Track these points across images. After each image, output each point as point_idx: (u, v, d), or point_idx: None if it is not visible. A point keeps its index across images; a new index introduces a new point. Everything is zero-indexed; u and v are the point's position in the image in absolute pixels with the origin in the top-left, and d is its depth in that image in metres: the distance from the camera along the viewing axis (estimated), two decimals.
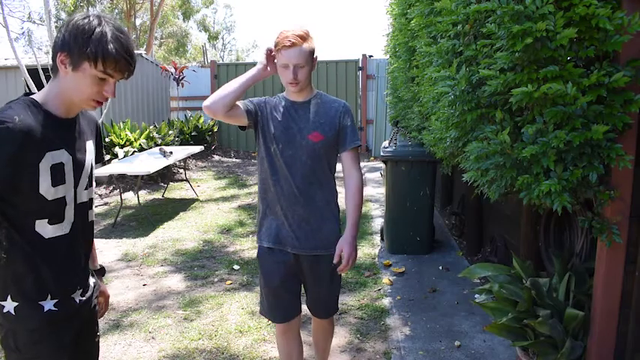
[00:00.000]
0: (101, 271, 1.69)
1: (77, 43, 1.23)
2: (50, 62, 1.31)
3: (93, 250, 1.61)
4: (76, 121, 1.39)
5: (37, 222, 1.30)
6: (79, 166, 1.39)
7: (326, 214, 2.03)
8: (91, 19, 1.26)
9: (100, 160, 1.62)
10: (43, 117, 1.29)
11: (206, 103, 1.92)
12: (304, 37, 1.86)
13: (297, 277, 2.10)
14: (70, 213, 1.37)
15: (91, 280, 1.54)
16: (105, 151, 7.65)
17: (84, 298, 1.46)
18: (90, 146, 1.46)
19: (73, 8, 18.18)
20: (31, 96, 1.32)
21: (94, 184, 1.50)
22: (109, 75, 1.27)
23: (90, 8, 21.61)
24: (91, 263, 1.60)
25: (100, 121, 1.70)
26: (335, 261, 1.94)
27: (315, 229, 2.01)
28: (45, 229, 1.32)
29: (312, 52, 1.90)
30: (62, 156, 1.33)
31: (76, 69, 1.25)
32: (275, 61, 1.94)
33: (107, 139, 7.75)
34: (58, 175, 1.31)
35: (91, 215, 1.49)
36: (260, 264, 2.10)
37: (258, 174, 2.06)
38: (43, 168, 1.28)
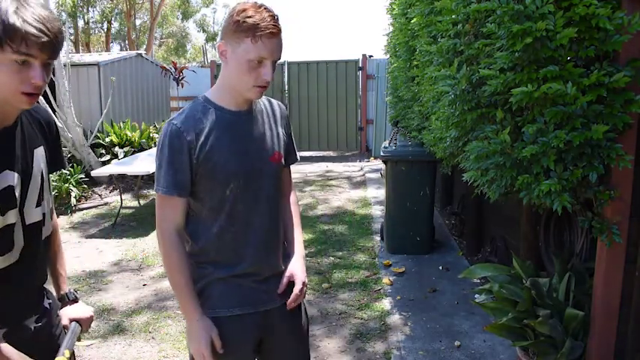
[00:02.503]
0: (65, 299, 1.42)
1: None
2: None
3: (59, 274, 1.41)
4: (17, 128, 1.16)
5: None
6: (26, 182, 1.18)
7: (287, 250, 1.54)
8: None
9: (58, 167, 1.38)
10: None
11: (162, 251, 1.40)
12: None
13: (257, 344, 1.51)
14: (19, 237, 1.18)
15: (47, 302, 1.33)
16: (105, 151, 7.64)
17: (40, 324, 1.28)
18: (39, 153, 1.24)
19: (72, 8, 18.18)
20: None
21: (48, 196, 1.28)
22: (27, 55, 1.01)
23: (90, 8, 21.63)
24: (56, 289, 1.41)
25: (56, 121, 1.41)
26: (281, 290, 1.46)
27: (282, 272, 1.51)
28: None
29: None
30: (8, 178, 1.12)
31: None
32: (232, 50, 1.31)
33: (107, 139, 7.75)
34: (6, 200, 1.12)
35: (46, 231, 1.28)
36: (223, 338, 1.39)
37: (198, 233, 1.42)
38: None
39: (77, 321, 1.40)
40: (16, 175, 1.14)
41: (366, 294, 3.59)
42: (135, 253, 4.66)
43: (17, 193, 1.14)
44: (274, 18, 1.29)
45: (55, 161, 1.35)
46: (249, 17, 1.26)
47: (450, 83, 2.01)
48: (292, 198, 1.61)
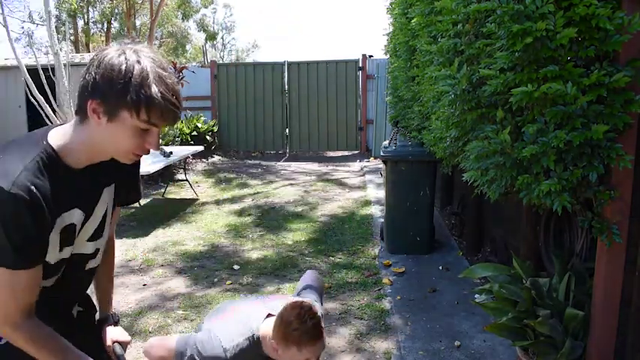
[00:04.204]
0: (110, 319, 1.46)
1: (113, 89, 0.99)
2: (77, 103, 1.07)
3: (108, 296, 1.46)
4: (94, 168, 1.15)
5: None
6: (86, 219, 1.18)
7: None
8: (128, 55, 1.01)
9: (132, 200, 1.39)
10: (60, 174, 1.07)
11: None
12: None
13: None
14: (63, 267, 1.19)
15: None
16: None
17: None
18: (109, 191, 1.23)
19: (74, 11, 18.17)
20: (49, 140, 1.08)
21: (107, 231, 1.28)
22: (154, 125, 1.03)
23: (90, 9, 21.61)
24: (102, 308, 1.45)
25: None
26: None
27: None
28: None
29: None
30: (74, 216, 1.13)
31: (112, 119, 1.02)
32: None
33: None
34: (67, 237, 1.13)
35: (94, 263, 1.29)
36: None
37: None
38: (53, 236, 1.09)
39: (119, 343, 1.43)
40: (83, 213, 1.15)
41: (366, 294, 3.59)
42: (135, 253, 4.66)
43: (77, 230, 1.15)
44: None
45: (130, 193, 1.35)
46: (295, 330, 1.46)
47: (451, 83, 2.01)
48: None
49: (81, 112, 1.06)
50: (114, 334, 1.44)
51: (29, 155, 1.04)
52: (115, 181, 1.24)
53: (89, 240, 1.22)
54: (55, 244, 1.10)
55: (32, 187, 1.00)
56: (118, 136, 1.04)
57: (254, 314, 1.67)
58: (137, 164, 1.33)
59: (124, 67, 0.99)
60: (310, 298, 1.81)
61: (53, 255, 1.12)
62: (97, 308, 1.46)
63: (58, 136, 1.09)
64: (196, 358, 1.57)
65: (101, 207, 1.22)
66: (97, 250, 1.26)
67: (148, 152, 1.09)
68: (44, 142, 1.07)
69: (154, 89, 0.99)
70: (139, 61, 1.00)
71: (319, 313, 1.54)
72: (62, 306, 1.28)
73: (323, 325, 1.53)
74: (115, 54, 1.02)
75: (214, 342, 1.57)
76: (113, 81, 0.99)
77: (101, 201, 1.21)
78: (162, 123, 1.04)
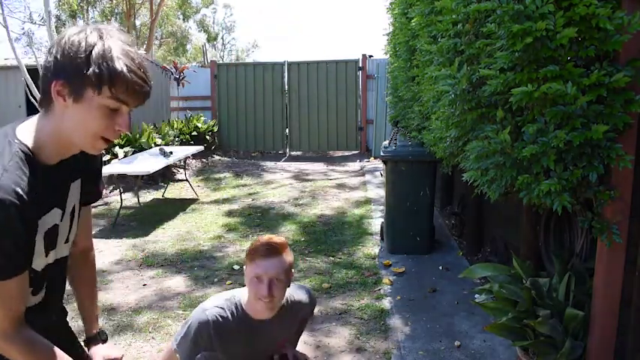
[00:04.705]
0: (97, 338, 1.40)
1: (75, 65, 0.94)
2: (40, 92, 1.01)
3: (91, 311, 1.39)
4: (65, 163, 1.10)
5: None
6: (63, 220, 1.13)
7: None
8: (88, 32, 0.96)
9: (94, 198, 1.29)
10: (37, 173, 1.01)
11: None
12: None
13: None
14: (47, 276, 1.15)
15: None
16: (105, 151, 7.63)
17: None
18: (75, 186, 1.17)
19: (76, 7, 18.16)
20: (20, 138, 1.02)
21: (75, 230, 1.22)
22: (122, 102, 0.98)
23: (90, 9, 21.61)
24: (88, 327, 1.39)
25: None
26: None
27: None
28: (29, 300, 1.11)
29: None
30: (55, 216, 1.09)
31: (78, 99, 0.96)
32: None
33: None
34: (51, 240, 1.08)
35: (66, 264, 1.24)
36: None
37: None
38: (38, 239, 1.05)
39: None
40: (61, 212, 1.10)
41: (366, 294, 3.59)
42: (135, 253, 4.66)
43: (59, 231, 1.10)
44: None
45: (91, 191, 1.26)
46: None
47: (451, 83, 2.01)
48: None
49: (45, 100, 1.00)
50: (104, 351, 1.38)
51: (5, 155, 0.98)
52: (81, 176, 1.18)
53: (66, 242, 1.17)
54: (40, 249, 1.06)
55: (18, 189, 0.95)
56: (85, 119, 0.98)
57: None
58: (100, 161, 1.28)
59: (84, 42, 0.95)
60: (301, 290, 1.82)
61: (40, 260, 1.08)
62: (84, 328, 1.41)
63: (27, 133, 1.03)
64: (184, 331, 1.62)
65: (70, 203, 1.15)
66: (69, 251, 1.22)
67: (118, 136, 1.03)
68: (16, 141, 1.01)
69: (118, 63, 0.94)
70: (100, 37, 0.96)
71: (286, 246, 1.61)
72: (48, 315, 1.23)
73: (284, 253, 1.58)
74: (74, 31, 0.98)
75: (197, 309, 1.64)
76: (74, 57, 0.94)
77: (70, 196, 1.15)
78: (129, 99, 0.98)
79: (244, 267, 1.60)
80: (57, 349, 1.10)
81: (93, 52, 0.94)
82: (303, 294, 1.80)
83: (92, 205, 1.34)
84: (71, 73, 0.95)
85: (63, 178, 1.11)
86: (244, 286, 1.65)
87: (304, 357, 1.75)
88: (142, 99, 1.00)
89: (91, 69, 0.93)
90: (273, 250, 1.55)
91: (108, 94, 0.95)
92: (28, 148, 1.01)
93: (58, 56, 0.96)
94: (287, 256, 1.60)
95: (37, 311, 1.14)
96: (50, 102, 1.00)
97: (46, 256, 1.09)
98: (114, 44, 0.96)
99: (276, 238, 1.60)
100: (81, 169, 1.18)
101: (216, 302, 1.65)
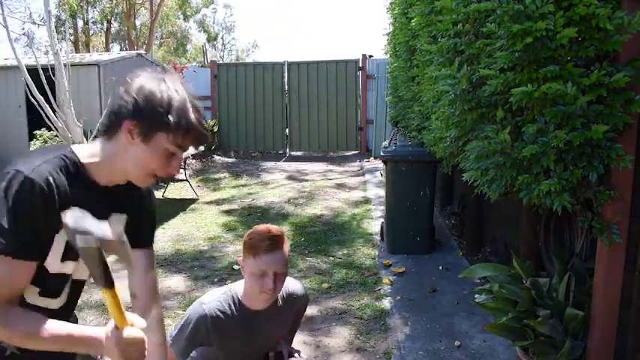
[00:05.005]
0: None
1: (154, 112, 1.06)
2: (105, 122, 1.11)
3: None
4: (117, 192, 1.19)
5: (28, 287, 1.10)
6: None
7: None
8: (168, 83, 1.09)
9: (143, 244, 1.31)
10: (81, 182, 1.11)
11: None
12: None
13: None
14: (67, 291, 1.21)
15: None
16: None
17: None
18: (116, 219, 1.10)
19: (75, 8, 18.14)
20: (74, 150, 1.13)
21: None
22: (183, 148, 1.11)
23: (90, 9, 21.60)
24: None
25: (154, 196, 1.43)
26: None
27: None
28: (31, 296, 1.14)
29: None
30: None
31: (146, 141, 1.08)
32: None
33: None
34: (72, 249, 1.05)
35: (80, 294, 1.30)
36: None
37: None
38: (59, 239, 1.09)
39: None
40: None
41: (366, 294, 3.59)
42: None
43: None
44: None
45: (137, 234, 1.22)
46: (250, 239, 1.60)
47: (451, 83, 2.01)
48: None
49: (111, 131, 1.11)
50: None
51: (51, 154, 1.09)
52: (127, 213, 1.11)
53: None
54: (58, 249, 1.10)
55: (50, 178, 1.03)
56: (147, 158, 1.09)
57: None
58: (153, 213, 1.36)
59: (165, 95, 1.07)
60: (294, 282, 1.84)
61: (54, 262, 1.11)
62: None
63: (83, 149, 1.14)
64: (181, 326, 1.63)
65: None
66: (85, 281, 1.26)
67: (167, 175, 1.14)
68: (68, 149, 1.13)
69: (192, 116, 1.08)
70: (177, 90, 1.09)
71: (284, 237, 1.63)
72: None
73: (284, 245, 1.60)
74: (154, 81, 1.09)
75: (194, 304, 1.66)
76: (155, 105, 1.06)
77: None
78: (190, 146, 1.12)
79: (242, 259, 1.63)
80: (57, 322, 1.06)
81: (173, 105, 1.07)
82: (297, 285, 1.83)
83: (152, 265, 1.34)
84: (148, 118, 1.07)
85: (104, 201, 1.14)
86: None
87: (298, 353, 1.79)
88: (199, 146, 1.17)
89: (171, 119, 1.06)
90: (275, 244, 1.57)
91: (177, 141, 1.09)
92: (78, 159, 1.12)
93: (139, 100, 1.07)
94: (286, 248, 1.63)
95: (59, 316, 1.14)
96: (116, 133, 1.10)
97: (62, 261, 1.13)
98: (186, 97, 1.10)
99: (275, 229, 1.61)
100: (129, 206, 1.19)
101: (213, 297, 1.66)
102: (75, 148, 1.14)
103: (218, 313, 1.61)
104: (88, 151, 1.14)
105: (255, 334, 1.67)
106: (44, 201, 1.02)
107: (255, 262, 1.57)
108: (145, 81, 1.09)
